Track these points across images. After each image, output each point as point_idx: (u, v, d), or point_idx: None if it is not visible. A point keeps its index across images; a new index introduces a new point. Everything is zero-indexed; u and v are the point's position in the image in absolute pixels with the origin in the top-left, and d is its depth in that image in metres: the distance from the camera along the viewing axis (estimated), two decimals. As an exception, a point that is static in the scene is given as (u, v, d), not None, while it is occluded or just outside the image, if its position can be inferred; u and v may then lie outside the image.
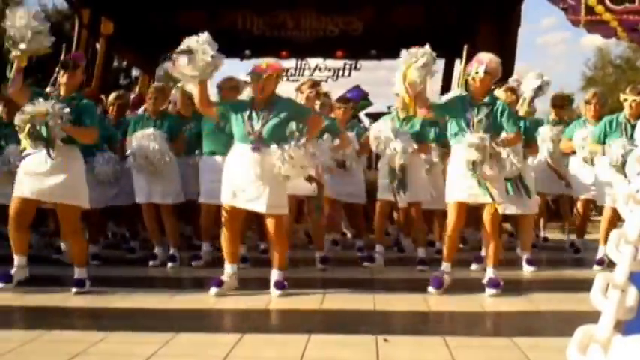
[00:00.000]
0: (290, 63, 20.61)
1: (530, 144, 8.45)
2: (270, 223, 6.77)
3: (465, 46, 10.93)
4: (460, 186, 6.92)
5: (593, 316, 2.86)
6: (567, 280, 7.94)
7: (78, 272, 6.94)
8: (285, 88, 8.60)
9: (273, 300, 6.46)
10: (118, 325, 5.33)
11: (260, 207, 6.68)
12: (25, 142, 6.67)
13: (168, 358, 4.47)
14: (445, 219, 8.28)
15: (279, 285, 6.75)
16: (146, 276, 8.05)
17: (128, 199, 9.08)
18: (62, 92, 6.96)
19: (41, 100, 6.62)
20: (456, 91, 7.59)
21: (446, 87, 18.88)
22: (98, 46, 17.61)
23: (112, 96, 10.31)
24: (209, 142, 8.34)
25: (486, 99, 7.05)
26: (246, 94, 7.74)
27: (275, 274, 6.83)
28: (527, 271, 8.31)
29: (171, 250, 8.71)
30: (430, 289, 6.81)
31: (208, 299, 6.49)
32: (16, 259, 6.90)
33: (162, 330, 5.11)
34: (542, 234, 11.09)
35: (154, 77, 22.39)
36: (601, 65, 37.73)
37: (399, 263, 8.86)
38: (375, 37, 18.69)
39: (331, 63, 20.60)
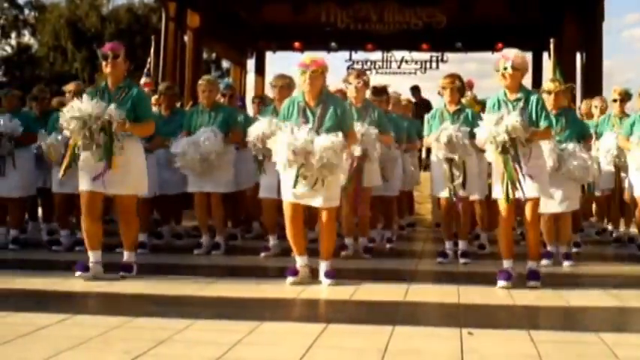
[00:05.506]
0: (376, 56, 20.62)
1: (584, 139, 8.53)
2: (324, 216, 6.86)
3: (552, 40, 10.78)
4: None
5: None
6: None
7: (127, 256, 7.11)
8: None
9: (357, 291, 6.46)
10: (204, 313, 5.41)
11: (317, 202, 6.76)
12: (79, 141, 6.68)
13: (253, 346, 4.52)
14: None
15: (330, 274, 6.80)
16: (231, 265, 8.17)
17: (176, 188, 9.28)
18: (109, 83, 7.02)
19: (93, 102, 6.68)
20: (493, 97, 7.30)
21: (536, 80, 18.66)
22: (186, 38, 17.83)
23: (162, 87, 10.40)
24: None
25: (519, 94, 6.95)
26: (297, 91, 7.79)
27: (324, 265, 6.88)
28: (565, 265, 8.21)
29: (217, 238, 8.92)
30: (499, 282, 6.68)
31: (293, 289, 6.54)
32: (91, 255, 6.89)
33: (247, 319, 5.17)
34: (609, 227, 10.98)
35: (245, 69, 22.63)
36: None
37: (481, 257, 8.77)
38: (459, 29, 18.55)
39: (417, 55, 20.49)
